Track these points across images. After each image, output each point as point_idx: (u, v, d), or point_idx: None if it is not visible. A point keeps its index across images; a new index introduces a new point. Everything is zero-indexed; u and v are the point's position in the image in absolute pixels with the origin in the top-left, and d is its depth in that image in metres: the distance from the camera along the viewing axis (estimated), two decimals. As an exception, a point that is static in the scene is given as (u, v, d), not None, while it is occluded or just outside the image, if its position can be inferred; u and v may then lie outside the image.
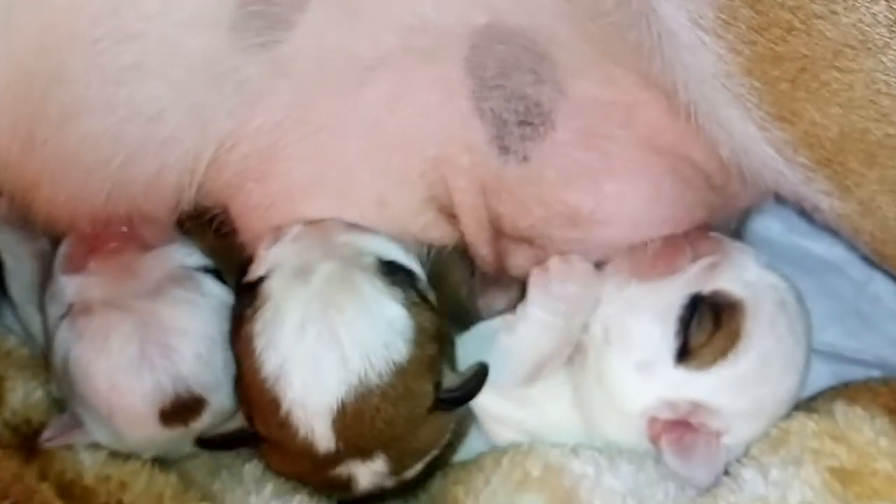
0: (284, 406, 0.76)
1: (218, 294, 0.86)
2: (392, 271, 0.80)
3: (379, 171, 0.83)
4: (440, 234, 0.86)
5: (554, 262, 0.84)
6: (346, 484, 0.82)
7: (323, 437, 0.77)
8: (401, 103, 0.80)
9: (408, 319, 0.78)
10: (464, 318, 0.90)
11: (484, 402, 0.86)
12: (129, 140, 0.79)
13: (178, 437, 0.85)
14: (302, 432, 0.77)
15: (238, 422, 0.81)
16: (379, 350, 0.76)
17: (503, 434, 0.89)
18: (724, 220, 0.90)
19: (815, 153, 0.73)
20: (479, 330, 0.88)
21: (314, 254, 0.79)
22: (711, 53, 0.71)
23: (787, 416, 0.83)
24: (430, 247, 0.87)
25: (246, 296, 0.80)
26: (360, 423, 0.77)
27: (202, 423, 0.84)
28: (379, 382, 0.76)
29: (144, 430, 0.83)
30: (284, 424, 0.77)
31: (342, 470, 0.81)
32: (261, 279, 0.80)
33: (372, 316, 0.77)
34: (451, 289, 0.91)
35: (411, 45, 0.79)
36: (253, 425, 0.80)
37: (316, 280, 0.77)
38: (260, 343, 0.77)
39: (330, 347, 0.76)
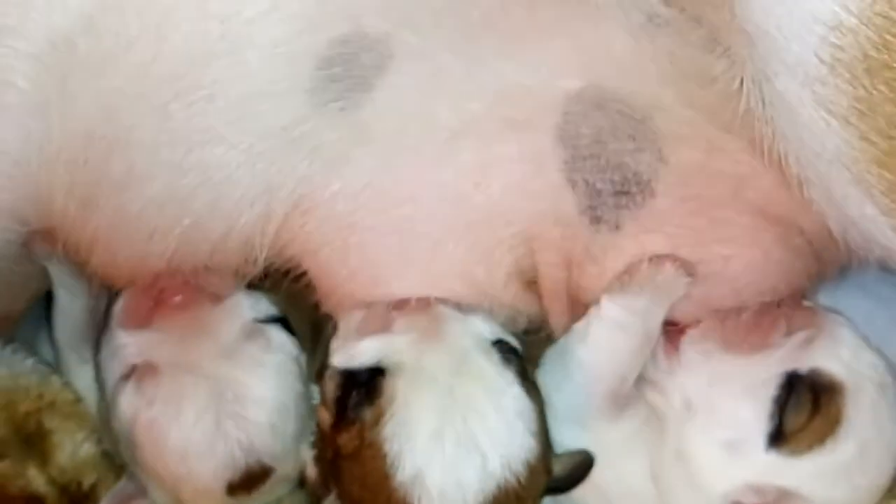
0: None
1: (287, 350, 0.83)
2: (504, 351, 0.78)
3: (464, 246, 0.79)
4: (519, 304, 0.83)
5: (642, 265, 0.79)
6: None
7: None
8: (487, 176, 0.78)
9: (532, 410, 0.76)
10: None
11: (558, 438, 0.81)
12: (196, 204, 0.77)
13: None
14: None
15: None
16: (516, 451, 0.74)
17: (575, 492, 0.83)
18: (819, 285, 0.86)
19: (940, 239, 0.71)
20: (548, 357, 0.84)
21: (432, 347, 0.76)
22: (837, 138, 0.67)
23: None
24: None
25: (352, 390, 0.76)
26: None
27: (263, 492, 0.82)
28: (515, 486, 0.74)
29: (209, 502, 0.80)
30: None
31: None
32: (372, 373, 0.76)
33: (506, 414, 0.74)
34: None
35: (498, 112, 0.76)
36: None
37: (443, 377, 0.74)
38: (392, 448, 0.73)
39: (471, 454, 0.73)
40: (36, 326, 0.95)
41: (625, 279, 0.79)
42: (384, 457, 0.73)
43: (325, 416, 0.78)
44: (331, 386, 0.78)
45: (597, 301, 0.80)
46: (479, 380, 0.75)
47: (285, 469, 0.82)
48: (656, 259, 0.78)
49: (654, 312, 0.79)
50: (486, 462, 0.73)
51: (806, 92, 0.66)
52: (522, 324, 0.84)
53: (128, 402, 0.79)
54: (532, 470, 0.75)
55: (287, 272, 0.83)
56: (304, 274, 0.83)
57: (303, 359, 0.84)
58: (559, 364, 0.82)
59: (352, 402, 0.76)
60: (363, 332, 0.78)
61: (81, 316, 0.89)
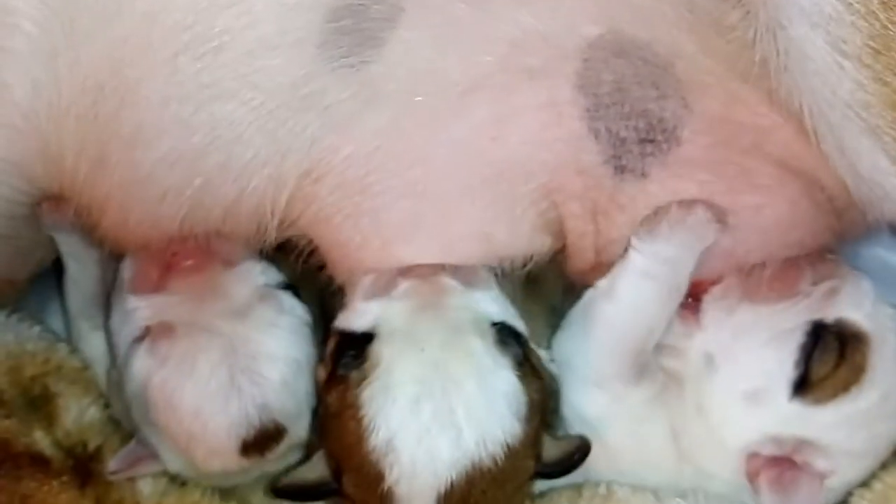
0: (388, 481, 0.72)
1: (298, 313, 0.83)
2: (504, 335, 0.76)
3: (482, 205, 0.78)
4: (541, 254, 0.82)
5: (672, 207, 0.77)
6: None
7: None
8: (504, 129, 0.76)
9: (521, 395, 0.74)
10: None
11: (577, 402, 0.82)
12: (207, 164, 0.75)
13: (250, 468, 0.82)
14: None
15: (316, 471, 0.77)
16: (495, 432, 0.73)
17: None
18: (840, 243, 0.86)
19: (951, 191, 0.70)
20: (573, 314, 0.83)
21: (427, 317, 0.75)
22: (850, 81, 0.68)
23: (890, 467, 0.80)
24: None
25: (347, 350, 0.76)
26: (469, 502, 0.73)
27: (276, 454, 0.81)
28: (491, 466, 0.73)
29: (222, 461, 0.79)
30: (383, 497, 0.73)
31: None
32: (366, 336, 0.75)
33: (489, 393, 0.73)
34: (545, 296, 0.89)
35: (512, 62, 0.74)
36: (338, 482, 0.76)
37: (431, 349, 0.73)
38: (369, 412, 0.73)
39: (445, 427, 0.72)
40: (44, 298, 0.95)
41: (653, 223, 0.77)
42: (361, 419, 0.73)
43: (321, 373, 0.79)
44: (331, 344, 0.78)
45: (623, 251, 0.78)
46: (467, 356, 0.74)
47: (297, 431, 0.81)
48: (686, 203, 0.77)
49: (683, 261, 0.78)
50: (461, 437, 0.72)
51: (819, 34, 0.66)
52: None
53: (141, 363, 0.79)
54: (513, 454, 0.74)
55: (297, 252, 0.82)
56: (313, 253, 0.82)
57: (312, 325, 0.84)
58: (582, 324, 0.81)
59: (342, 361, 0.76)
60: (368, 294, 0.78)
61: (92, 285, 0.90)
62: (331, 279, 0.82)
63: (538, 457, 0.76)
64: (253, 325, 0.79)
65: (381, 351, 0.74)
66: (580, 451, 0.78)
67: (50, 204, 0.82)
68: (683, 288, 0.79)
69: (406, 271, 0.78)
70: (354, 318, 0.77)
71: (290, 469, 0.81)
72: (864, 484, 0.79)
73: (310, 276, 0.85)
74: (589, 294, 0.81)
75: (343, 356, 0.76)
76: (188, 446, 0.79)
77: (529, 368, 0.77)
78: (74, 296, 0.91)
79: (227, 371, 0.77)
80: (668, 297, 0.79)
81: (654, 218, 0.78)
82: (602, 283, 0.80)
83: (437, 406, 0.72)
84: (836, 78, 0.67)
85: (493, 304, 0.78)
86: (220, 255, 0.82)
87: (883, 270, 0.92)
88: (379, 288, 0.77)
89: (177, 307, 0.80)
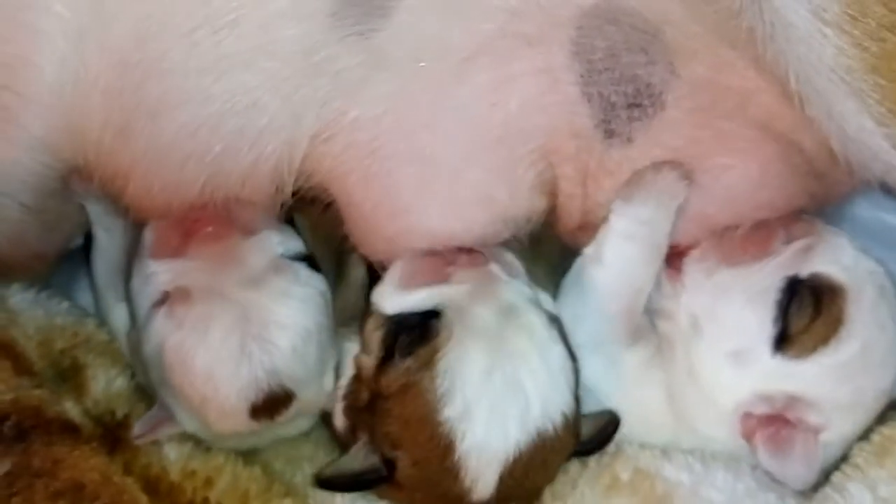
0: (458, 451, 0.74)
1: (314, 284, 0.84)
2: (551, 314, 0.80)
3: (484, 168, 0.80)
4: (539, 215, 0.85)
5: (643, 172, 0.81)
6: None
7: (486, 485, 0.76)
8: (503, 94, 0.78)
9: (573, 371, 0.78)
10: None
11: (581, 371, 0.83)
12: (226, 130, 0.78)
13: (261, 431, 0.84)
14: (466, 480, 0.75)
15: (359, 460, 0.78)
16: (557, 402, 0.76)
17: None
18: (821, 207, 0.88)
19: (936, 150, 0.72)
20: (564, 287, 0.86)
21: (485, 298, 0.78)
22: (832, 47, 0.70)
23: (890, 420, 0.81)
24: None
25: (401, 334, 0.78)
26: (524, 475, 0.76)
27: (286, 417, 0.83)
28: (552, 436, 0.76)
29: (233, 423, 0.82)
30: (449, 470, 0.75)
31: None
32: (428, 315, 0.77)
33: (550, 366, 0.76)
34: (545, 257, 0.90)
35: (511, 30, 0.77)
36: (392, 466, 0.77)
37: (495, 325, 0.76)
38: (442, 383, 0.74)
39: (516, 396, 0.75)
40: (71, 276, 0.98)
41: (629, 189, 0.80)
42: (433, 392, 0.74)
43: (367, 362, 0.80)
44: (378, 333, 0.80)
45: (606, 218, 0.82)
46: (529, 331, 0.77)
47: (306, 396, 0.83)
48: (656, 165, 0.80)
49: (659, 220, 0.81)
50: (530, 405, 0.75)
51: (802, 3, 0.69)
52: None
53: (159, 327, 0.81)
54: (567, 424, 0.77)
55: (314, 201, 0.84)
56: (331, 204, 0.84)
57: (329, 295, 0.86)
58: (575, 291, 0.84)
59: (401, 343, 0.77)
60: (414, 281, 0.80)
61: (118, 255, 0.91)
62: (346, 238, 0.85)
63: (579, 434, 0.79)
64: (266, 293, 0.81)
65: (451, 326, 0.76)
66: (611, 425, 0.81)
67: (78, 173, 0.84)
68: (664, 246, 0.82)
69: (449, 260, 0.81)
70: (406, 304, 0.79)
71: (329, 463, 0.82)
72: (863, 437, 0.80)
73: (325, 237, 0.87)
74: (578, 262, 0.84)
75: (398, 340, 0.78)
76: (201, 408, 0.81)
77: (567, 347, 0.79)
78: (102, 267, 0.93)
79: (238, 337, 0.79)
80: (651, 255, 0.82)
81: (629, 184, 0.81)
82: (589, 250, 0.83)
83: (506, 376, 0.75)
84: (819, 45, 0.69)
85: (529, 289, 0.81)
86: (239, 223, 0.84)
87: (877, 228, 0.94)
88: (428, 275, 0.80)
89: (195, 273, 0.82)
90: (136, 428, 0.84)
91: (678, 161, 0.80)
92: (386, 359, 0.78)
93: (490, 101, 0.78)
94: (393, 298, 0.80)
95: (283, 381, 0.81)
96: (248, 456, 0.86)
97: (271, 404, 0.81)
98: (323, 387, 0.85)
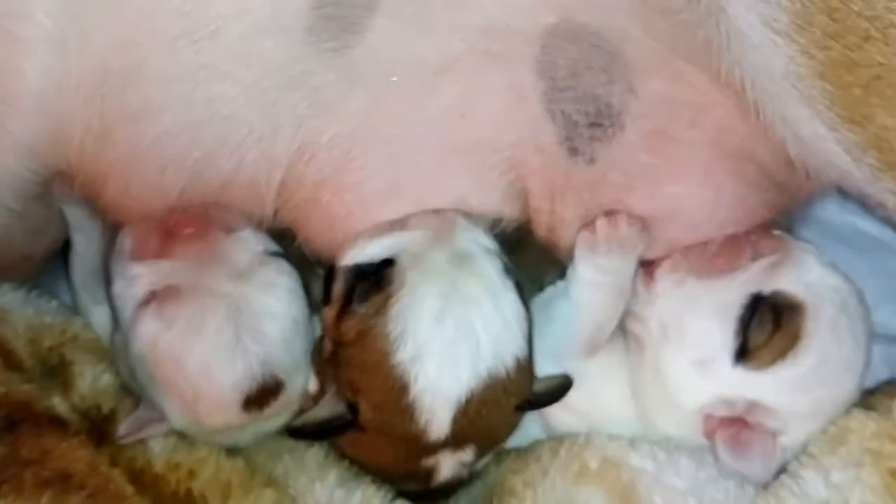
0: (412, 392, 0.78)
1: (294, 276, 0.86)
2: (506, 264, 0.82)
3: (457, 174, 0.83)
4: (511, 222, 0.87)
5: (600, 224, 0.83)
6: (426, 475, 0.84)
7: (441, 425, 0.79)
8: (472, 108, 0.81)
9: (525, 318, 0.81)
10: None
11: (542, 371, 0.86)
12: (205, 138, 0.80)
13: (249, 424, 0.86)
14: (421, 420, 0.78)
15: (327, 409, 0.81)
16: (508, 344, 0.79)
17: (559, 417, 0.90)
18: (785, 212, 0.90)
19: (884, 155, 0.73)
20: (536, 303, 0.88)
21: (441, 244, 0.80)
22: (783, 56, 0.72)
23: (846, 412, 0.83)
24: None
25: (360, 282, 0.80)
26: (478, 415, 0.79)
27: (275, 409, 0.85)
28: (504, 377, 0.79)
29: (225, 416, 0.84)
30: (405, 411, 0.78)
31: (431, 461, 0.82)
32: (384, 263, 0.80)
33: (502, 310, 0.79)
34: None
35: (479, 48, 0.79)
36: (355, 411, 0.80)
37: (449, 270, 0.79)
38: (396, 327, 0.77)
39: (467, 339, 0.78)
40: (54, 277, 0.99)
41: (588, 239, 0.83)
42: (387, 337, 0.77)
43: (329, 312, 0.83)
44: (339, 283, 0.82)
45: (572, 261, 0.85)
46: (482, 277, 0.79)
47: (294, 387, 0.85)
48: (611, 218, 0.83)
49: (623, 268, 0.84)
50: (480, 347, 0.78)
51: (753, 14, 0.71)
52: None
53: (147, 326, 0.82)
54: (520, 367, 0.80)
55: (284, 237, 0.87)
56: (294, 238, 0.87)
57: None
58: (544, 314, 0.87)
59: (358, 290, 0.80)
60: (376, 234, 0.82)
61: (95, 259, 0.93)
62: (313, 267, 0.87)
63: (532, 382, 0.82)
64: (255, 286, 0.83)
65: (405, 273, 0.79)
66: (564, 384, 0.84)
67: (59, 176, 0.85)
68: (628, 288, 0.86)
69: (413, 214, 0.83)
70: (364, 252, 0.82)
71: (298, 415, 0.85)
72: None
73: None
74: (549, 290, 0.89)
75: (357, 288, 0.80)
76: (194, 402, 0.82)
77: (522, 298, 0.82)
78: (78, 270, 0.94)
79: (233, 330, 0.81)
80: (615, 298, 0.86)
81: (588, 233, 0.84)
82: (560, 284, 0.87)
83: (458, 320, 0.78)
84: (771, 53, 0.71)
85: (488, 239, 0.83)
86: (219, 222, 0.85)
87: (845, 232, 0.97)
88: (387, 228, 0.82)
89: (180, 272, 0.83)
90: (122, 429, 0.85)
91: (629, 213, 0.83)
92: (344, 307, 0.81)
93: (460, 113, 0.81)
94: (352, 250, 0.83)
95: (275, 370, 0.83)
96: (231, 449, 0.87)
97: (262, 395, 0.83)
98: (307, 376, 0.87)
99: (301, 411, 0.87)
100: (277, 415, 0.87)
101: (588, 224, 0.84)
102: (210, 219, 0.85)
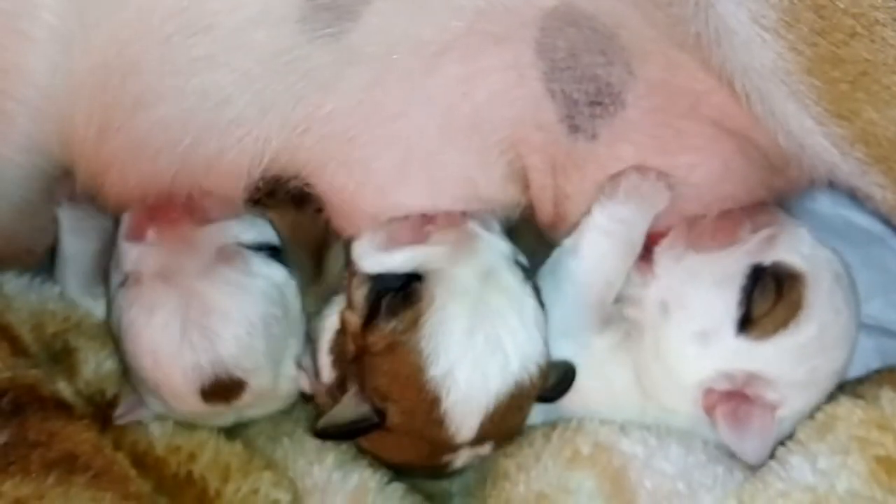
0: (445, 405, 0.80)
1: (267, 275, 0.86)
2: (523, 269, 0.84)
3: (461, 151, 0.84)
4: (513, 204, 0.89)
5: (629, 172, 0.84)
6: (443, 467, 0.86)
7: (468, 431, 0.81)
8: (472, 87, 0.82)
9: (544, 322, 0.83)
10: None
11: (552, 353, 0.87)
12: (195, 124, 0.81)
13: (223, 413, 0.87)
14: (451, 427, 0.81)
15: (350, 410, 0.82)
16: (531, 353, 0.82)
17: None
18: (782, 200, 0.91)
19: (871, 149, 0.75)
20: (541, 274, 0.89)
21: (464, 259, 0.82)
22: (771, 52, 0.73)
23: (834, 399, 0.84)
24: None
25: (386, 292, 0.82)
26: (502, 419, 0.82)
27: (244, 402, 0.86)
28: (528, 384, 0.82)
29: (188, 405, 0.85)
30: (435, 420, 0.80)
31: (451, 456, 0.85)
32: (411, 278, 0.81)
33: (526, 321, 0.81)
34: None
35: (479, 28, 0.80)
36: (381, 414, 0.82)
37: (474, 286, 0.81)
38: (427, 344, 0.79)
39: (495, 353, 0.80)
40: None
41: (613, 187, 0.85)
42: (419, 353, 0.79)
43: (352, 318, 0.84)
44: (362, 290, 0.83)
45: (586, 212, 0.86)
46: (505, 291, 0.81)
47: (260, 384, 0.86)
48: (643, 170, 0.84)
49: (637, 221, 0.85)
50: (508, 361, 0.80)
51: (742, 11, 0.72)
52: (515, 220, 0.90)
53: (117, 307, 0.85)
54: (541, 372, 0.82)
55: (295, 197, 0.87)
56: (307, 202, 0.87)
57: (292, 286, 0.88)
58: (551, 280, 0.88)
59: (385, 303, 0.81)
60: (395, 242, 0.83)
61: (91, 259, 0.94)
62: (327, 227, 0.88)
63: (547, 376, 0.84)
64: (215, 283, 0.83)
65: (433, 289, 0.80)
66: (569, 374, 0.86)
67: (64, 173, 0.87)
68: (638, 246, 0.86)
69: (430, 220, 0.85)
70: (385, 263, 0.83)
71: (319, 415, 0.85)
72: (808, 416, 0.84)
73: (303, 235, 0.90)
74: (556, 252, 0.88)
75: (381, 300, 0.82)
76: (156, 389, 0.84)
77: (538, 296, 0.84)
78: (71, 273, 0.95)
79: (179, 323, 0.81)
80: (625, 252, 0.86)
81: (614, 182, 0.85)
82: (567, 242, 0.88)
83: (487, 335, 0.80)
84: (760, 49, 0.72)
85: (506, 244, 0.85)
86: (200, 211, 0.86)
87: (837, 224, 0.99)
88: (407, 236, 0.84)
89: (152, 257, 0.84)
90: (118, 410, 0.88)
91: (660, 170, 0.84)
92: (370, 317, 0.82)
93: (461, 91, 0.82)
94: (374, 257, 0.84)
95: (230, 369, 0.83)
96: (231, 432, 0.89)
97: (222, 390, 0.84)
98: (280, 375, 0.88)
99: (320, 412, 0.87)
100: (256, 405, 0.88)
101: (616, 175, 0.85)
102: (192, 206, 0.86)
